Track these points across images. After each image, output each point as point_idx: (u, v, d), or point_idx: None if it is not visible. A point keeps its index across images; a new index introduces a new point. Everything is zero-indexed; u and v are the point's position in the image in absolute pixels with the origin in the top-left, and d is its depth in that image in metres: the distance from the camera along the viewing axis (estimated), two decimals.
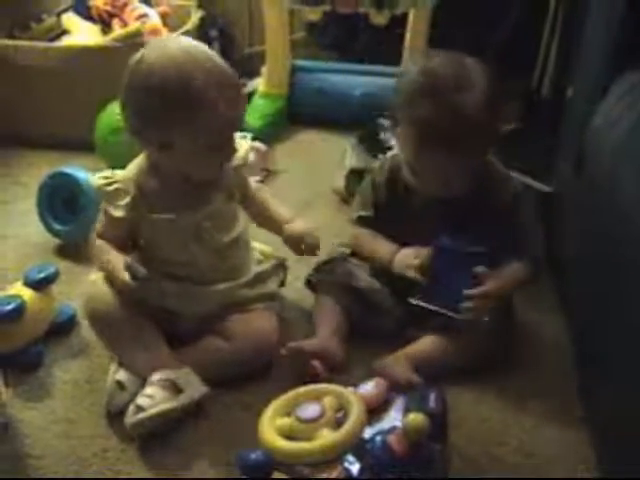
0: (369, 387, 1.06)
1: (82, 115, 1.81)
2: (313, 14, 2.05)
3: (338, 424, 1.00)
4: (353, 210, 1.35)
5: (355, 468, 0.94)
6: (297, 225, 1.29)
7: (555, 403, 1.18)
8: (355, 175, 1.69)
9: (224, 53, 2.05)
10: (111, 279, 1.17)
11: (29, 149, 1.94)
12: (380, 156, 1.68)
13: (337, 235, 1.46)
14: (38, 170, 1.76)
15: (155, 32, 1.96)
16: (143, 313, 1.17)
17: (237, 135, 1.21)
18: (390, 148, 1.70)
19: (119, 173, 1.20)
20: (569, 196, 1.43)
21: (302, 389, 1.08)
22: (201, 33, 2.12)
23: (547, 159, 1.62)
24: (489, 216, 1.21)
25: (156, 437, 1.09)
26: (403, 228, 1.26)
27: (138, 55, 1.13)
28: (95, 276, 1.21)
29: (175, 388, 1.10)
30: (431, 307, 1.19)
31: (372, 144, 1.73)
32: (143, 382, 1.12)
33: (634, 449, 0.93)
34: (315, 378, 1.15)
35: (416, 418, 0.94)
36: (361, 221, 1.32)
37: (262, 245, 1.36)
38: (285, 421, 1.02)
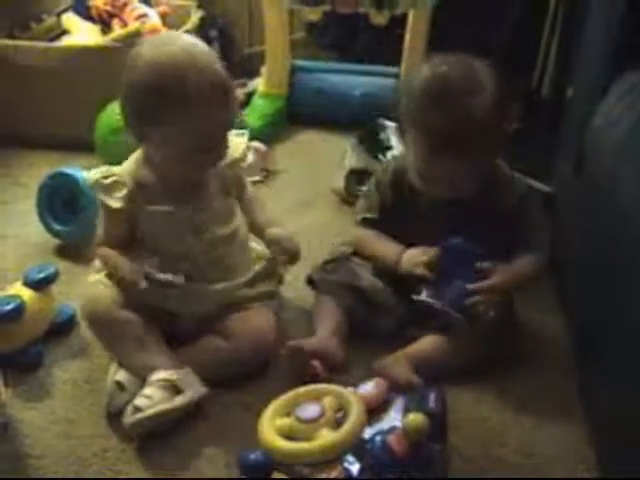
0: (369, 387, 1.06)
1: (82, 115, 1.81)
2: (313, 14, 2.05)
3: (338, 424, 0.99)
4: (357, 212, 1.34)
5: (355, 468, 0.94)
6: (276, 230, 1.28)
7: (555, 403, 1.18)
8: (355, 175, 1.70)
9: (224, 53, 2.06)
10: (123, 285, 1.16)
11: (29, 149, 1.94)
12: (380, 157, 1.69)
13: (337, 235, 1.46)
14: (38, 170, 1.76)
15: (155, 32, 1.96)
16: (142, 314, 1.17)
17: (233, 133, 1.21)
18: (390, 148, 1.70)
19: (115, 168, 1.20)
20: (569, 196, 1.43)
21: (302, 389, 1.08)
22: (201, 33, 2.11)
23: (547, 159, 1.62)
24: (495, 217, 1.22)
25: (156, 437, 1.09)
26: (409, 229, 1.26)
27: (137, 48, 1.14)
28: (93, 278, 1.21)
29: (174, 389, 1.10)
30: (437, 304, 1.19)
31: (372, 144, 1.73)
32: (143, 383, 1.12)
33: (634, 449, 0.93)
34: (315, 378, 1.15)
35: (416, 418, 0.94)
36: (366, 223, 1.32)
37: (260, 246, 1.36)
38: (285, 421, 1.02)
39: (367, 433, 0.99)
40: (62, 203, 1.55)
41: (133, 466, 1.06)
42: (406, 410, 1.01)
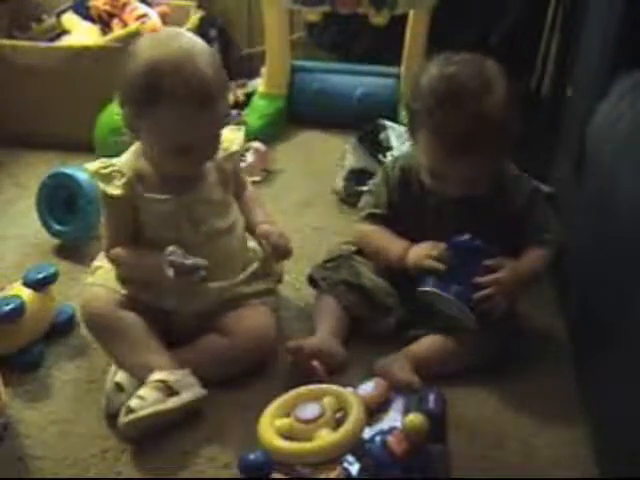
0: (369, 387, 1.06)
1: (82, 115, 1.81)
2: (313, 14, 2.05)
3: (338, 424, 1.00)
4: (362, 208, 1.33)
5: (355, 468, 0.95)
6: (266, 226, 1.26)
7: (555, 403, 1.18)
8: (355, 175, 1.69)
9: (224, 53, 2.06)
10: (154, 280, 1.16)
11: (29, 149, 1.94)
12: (380, 157, 1.69)
13: (337, 235, 1.46)
14: (38, 170, 1.76)
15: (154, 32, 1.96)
16: (140, 314, 1.17)
17: (229, 128, 1.22)
18: (390, 148, 1.70)
19: (114, 159, 1.20)
20: (569, 196, 1.43)
21: (302, 389, 1.08)
22: (200, 33, 2.11)
23: (547, 159, 1.62)
24: (504, 215, 1.22)
25: (155, 437, 1.09)
26: (416, 227, 1.26)
27: (139, 40, 1.16)
28: (91, 279, 1.22)
29: (169, 390, 1.10)
30: (443, 294, 1.17)
31: (372, 144, 1.73)
32: (142, 384, 1.12)
33: (634, 449, 0.93)
34: (315, 378, 1.15)
35: (416, 419, 0.94)
36: (371, 219, 1.30)
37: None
38: (284, 421, 1.02)
39: (367, 433, 0.99)
40: (62, 203, 1.55)
41: (133, 466, 1.06)
42: (406, 410, 1.01)
